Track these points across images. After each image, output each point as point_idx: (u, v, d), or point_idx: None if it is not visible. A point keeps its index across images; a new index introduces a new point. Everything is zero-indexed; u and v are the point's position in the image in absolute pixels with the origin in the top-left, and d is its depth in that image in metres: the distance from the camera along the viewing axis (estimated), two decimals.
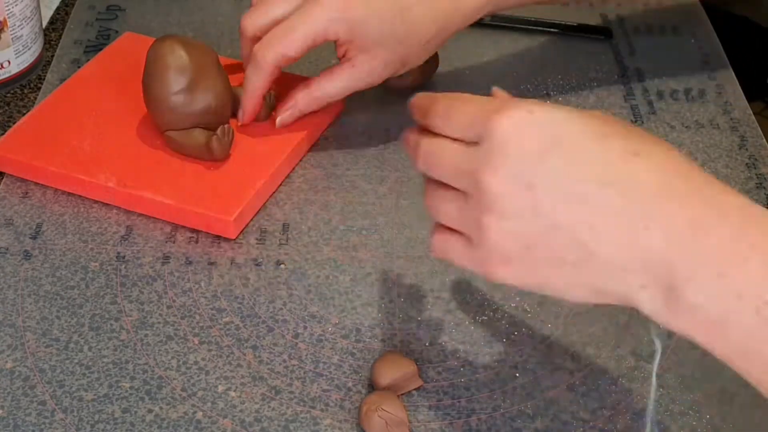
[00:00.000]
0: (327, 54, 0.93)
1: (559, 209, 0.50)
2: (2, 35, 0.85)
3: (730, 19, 1.08)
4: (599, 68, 0.93)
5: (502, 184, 0.51)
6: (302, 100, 0.80)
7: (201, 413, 0.64)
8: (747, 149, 0.85)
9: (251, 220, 0.77)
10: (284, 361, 0.67)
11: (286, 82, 0.86)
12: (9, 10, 0.84)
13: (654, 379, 0.66)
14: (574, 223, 0.50)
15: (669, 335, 0.67)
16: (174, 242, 0.75)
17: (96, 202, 0.78)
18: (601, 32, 0.96)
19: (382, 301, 0.71)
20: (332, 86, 0.79)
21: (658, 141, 0.52)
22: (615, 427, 0.64)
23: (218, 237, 0.75)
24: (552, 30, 0.96)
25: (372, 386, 0.65)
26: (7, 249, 0.74)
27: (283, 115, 0.80)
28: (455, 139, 0.54)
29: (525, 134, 0.51)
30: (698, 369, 0.66)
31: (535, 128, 0.51)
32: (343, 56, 0.78)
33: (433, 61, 0.87)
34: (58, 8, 0.98)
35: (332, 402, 0.65)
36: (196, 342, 0.68)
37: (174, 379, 0.66)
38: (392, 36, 0.76)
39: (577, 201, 0.50)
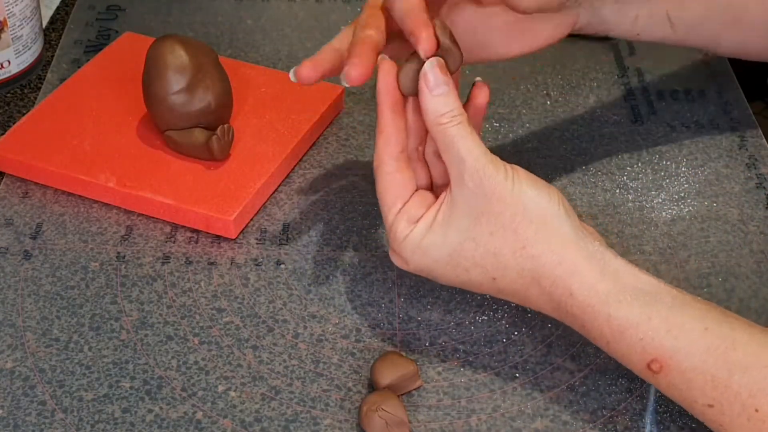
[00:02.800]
0: None
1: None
2: (2, 35, 0.85)
3: None
4: (599, 68, 0.93)
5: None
6: None
7: (201, 413, 0.64)
8: (747, 149, 0.85)
9: (251, 220, 0.77)
10: (284, 361, 0.67)
11: (281, 81, 0.86)
12: (9, 10, 0.84)
13: None
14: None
15: None
16: (174, 242, 0.75)
17: (96, 202, 0.78)
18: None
19: (382, 301, 0.71)
20: None
21: (509, 266, 0.62)
22: (615, 427, 0.64)
23: (218, 237, 0.75)
24: None
25: (372, 386, 0.65)
26: (7, 249, 0.74)
27: None
28: None
29: (409, 270, 0.66)
30: None
31: (414, 271, 0.65)
32: None
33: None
34: (58, 8, 0.98)
35: (332, 402, 0.65)
36: (196, 342, 0.68)
37: (174, 379, 0.66)
38: None
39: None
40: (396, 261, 0.65)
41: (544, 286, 0.62)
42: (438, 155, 0.65)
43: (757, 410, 0.56)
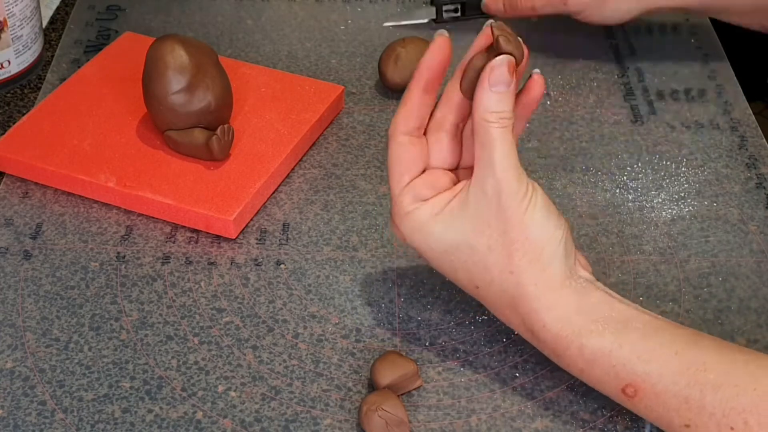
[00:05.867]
0: (327, 53, 0.93)
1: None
2: (2, 35, 0.85)
3: None
4: (599, 68, 0.93)
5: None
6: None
7: (201, 413, 0.64)
8: (747, 149, 0.85)
9: (251, 220, 0.77)
10: (284, 361, 0.67)
11: (281, 81, 0.86)
12: (9, 10, 0.84)
13: None
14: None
15: None
16: (174, 242, 0.75)
17: (96, 202, 0.78)
18: None
19: (382, 301, 0.71)
20: None
21: (494, 282, 0.62)
22: (615, 427, 0.64)
23: (218, 237, 0.75)
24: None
25: (372, 386, 0.65)
26: (7, 249, 0.74)
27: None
28: None
29: (405, 242, 0.66)
30: None
31: (410, 245, 0.65)
32: None
33: None
34: (58, 8, 0.98)
35: (332, 402, 0.65)
36: (196, 342, 0.68)
37: (174, 379, 0.66)
38: None
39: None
40: (395, 231, 0.66)
41: (520, 312, 0.63)
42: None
43: (732, 429, 0.56)
